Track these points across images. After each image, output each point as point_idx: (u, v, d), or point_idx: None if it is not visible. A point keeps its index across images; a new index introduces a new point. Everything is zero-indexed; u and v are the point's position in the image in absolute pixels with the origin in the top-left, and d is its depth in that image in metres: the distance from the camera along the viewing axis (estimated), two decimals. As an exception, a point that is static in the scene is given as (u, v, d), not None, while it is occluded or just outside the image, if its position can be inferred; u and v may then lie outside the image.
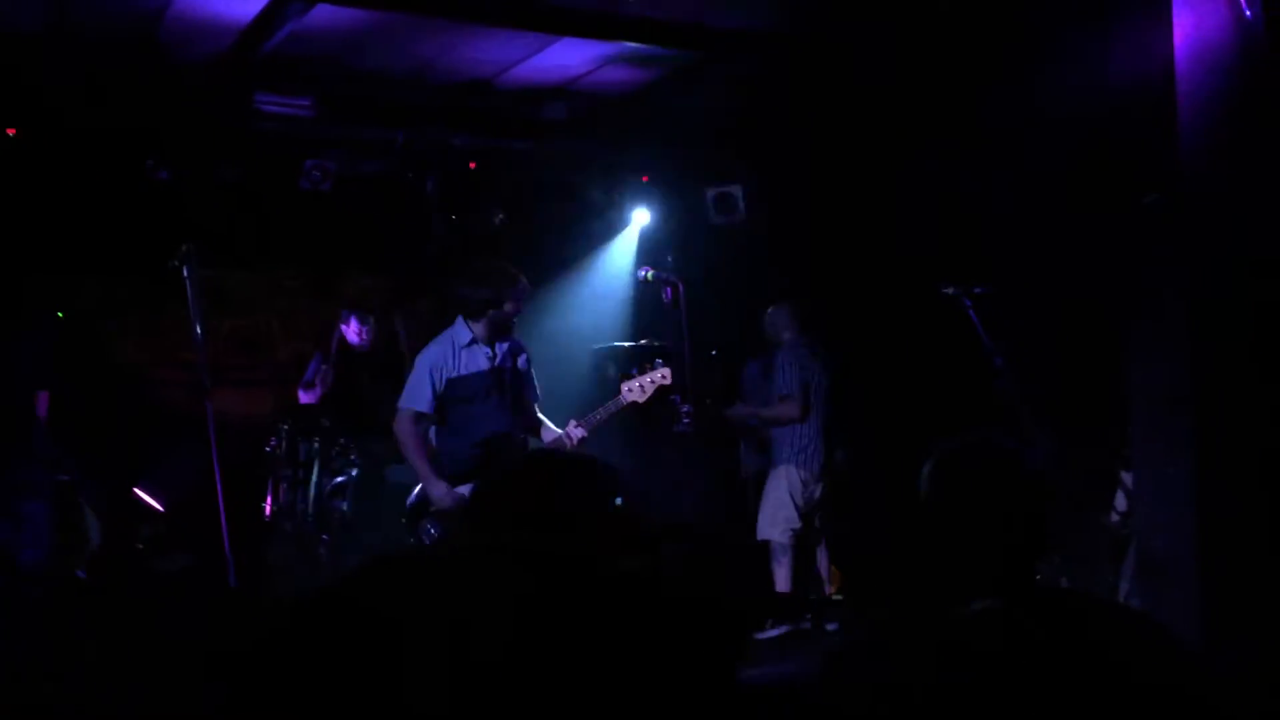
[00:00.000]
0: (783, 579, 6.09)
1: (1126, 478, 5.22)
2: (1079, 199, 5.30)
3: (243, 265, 7.49)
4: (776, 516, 6.22)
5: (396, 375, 7.20)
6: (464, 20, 6.30)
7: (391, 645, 1.62)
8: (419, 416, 5.27)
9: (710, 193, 7.94)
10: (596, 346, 7.96)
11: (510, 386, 5.32)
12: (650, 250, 7.93)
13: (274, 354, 7.88)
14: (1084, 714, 1.83)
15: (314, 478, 6.68)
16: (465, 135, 7.80)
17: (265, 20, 6.28)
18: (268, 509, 6.71)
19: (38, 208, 6.95)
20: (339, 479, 6.55)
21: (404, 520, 5.35)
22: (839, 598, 6.34)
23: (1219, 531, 4.69)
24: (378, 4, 6.04)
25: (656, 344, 7.46)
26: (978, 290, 4.46)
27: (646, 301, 7.68)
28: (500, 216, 8.14)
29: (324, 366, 7.13)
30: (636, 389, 5.29)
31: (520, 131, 7.87)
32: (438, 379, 5.27)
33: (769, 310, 6.52)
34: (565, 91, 7.53)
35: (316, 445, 6.71)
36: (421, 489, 5.28)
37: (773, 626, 5.90)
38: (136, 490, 6.88)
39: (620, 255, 8.25)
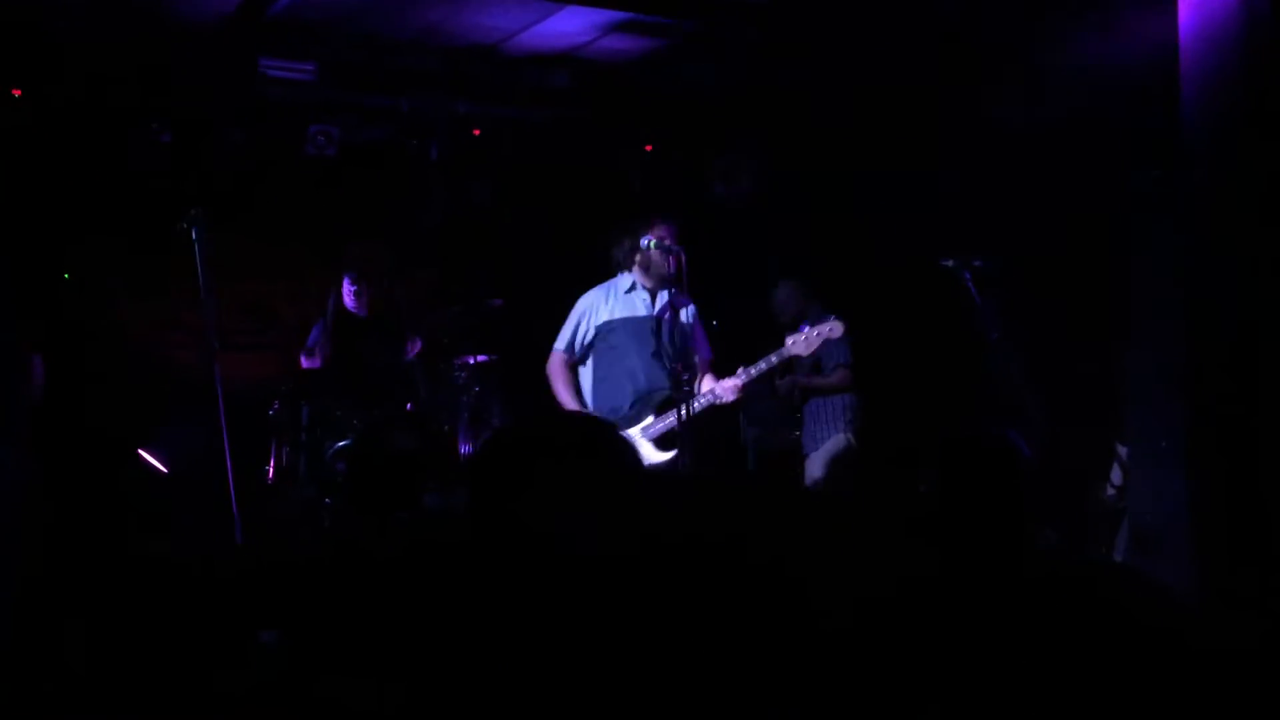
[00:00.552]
0: None
1: (1123, 451, 5.28)
2: (1081, 175, 5.32)
3: (246, 230, 7.50)
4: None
5: (396, 341, 7.26)
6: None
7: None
8: (563, 357, 5.37)
9: (715, 163, 7.95)
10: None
11: (669, 337, 5.24)
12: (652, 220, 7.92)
13: (277, 319, 7.90)
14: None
15: (315, 442, 6.72)
16: (469, 102, 7.79)
17: (271, -17, 6.29)
18: (270, 473, 6.76)
19: (42, 169, 6.96)
20: (340, 443, 6.59)
21: None
22: None
23: (1211, 506, 4.74)
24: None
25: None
26: (977, 263, 4.49)
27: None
28: (499, 185, 8.14)
29: (322, 334, 7.16)
30: (801, 341, 5.17)
31: (524, 99, 7.86)
32: (586, 322, 5.35)
33: (777, 287, 6.51)
34: (569, 59, 7.53)
35: (318, 410, 6.75)
36: None
37: None
38: (140, 452, 6.92)
39: (623, 223, 8.25)
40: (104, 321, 7.61)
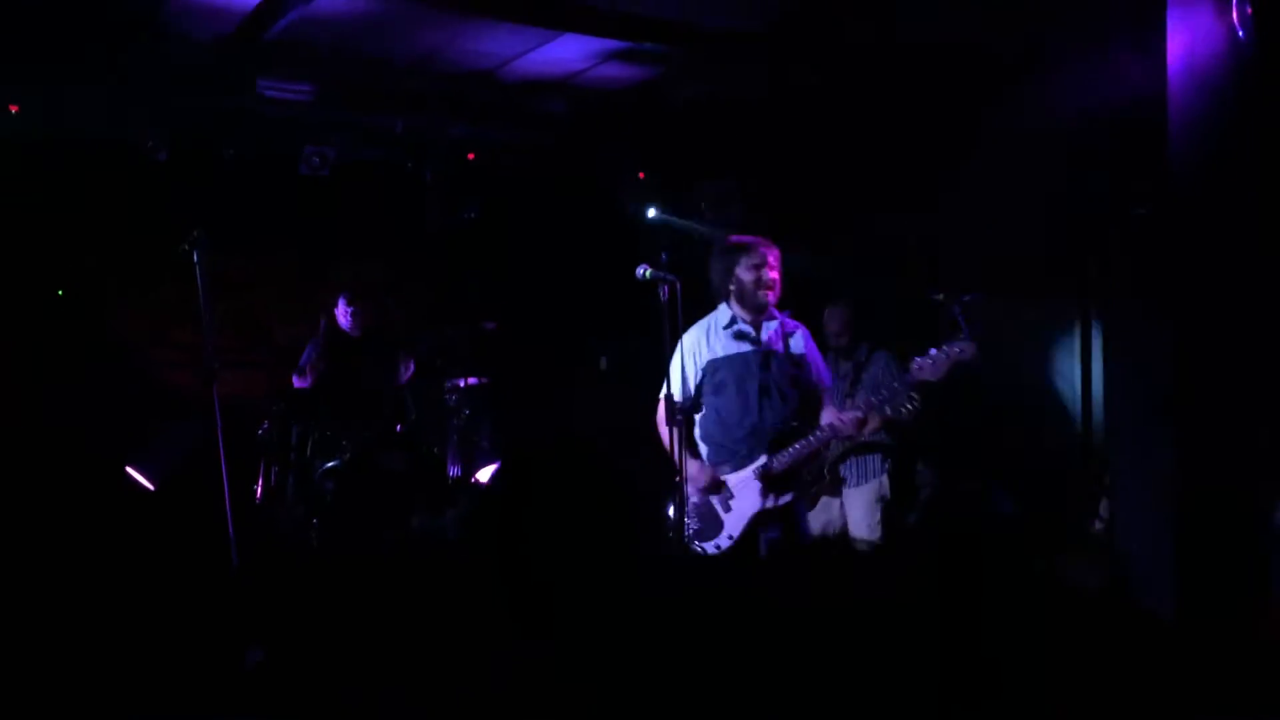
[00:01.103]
0: None
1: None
2: (1072, 209, 5.39)
3: (240, 248, 7.53)
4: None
5: (388, 362, 7.28)
6: (469, 12, 6.35)
7: None
8: (675, 404, 4.84)
9: (706, 189, 8.00)
10: (590, 338, 8.02)
11: (779, 370, 4.82)
12: (645, 247, 7.98)
13: (269, 338, 7.92)
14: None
15: (304, 462, 6.72)
16: (464, 126, 7.85)
17: (271, 5, 6.32)
18: (258, 492, 6.76)
19: (38, 185, 6.98)
20: (329, 464, 6.59)
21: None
22: None
23: (1196, 537, 4.79)
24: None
25: (647, 338, 7.54)
26: (967, 298, 4.54)
27: (640, 297, 7.74)
28: (477, 210, 8.18)
29: (315, 354, 7.17)
30: (929, 366, 4.63)
31: (520, 124, 7.92)
32: (693, 364, 4.88)
33: (828, 310, 6.14)
34: (566, 86, 7.60)
35: (307, 430, 6.76)
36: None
37: None
38: (128, 469, 6.91)
39: (615, 249, 8.30)
40: (96, 338, 7.62)
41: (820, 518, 6.02)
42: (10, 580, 4.45)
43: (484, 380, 7.20)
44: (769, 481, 4.71)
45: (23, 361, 7.19)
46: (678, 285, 4.52)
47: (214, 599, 4.81)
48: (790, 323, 4.94)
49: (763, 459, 4.72)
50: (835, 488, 6.03)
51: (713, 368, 4.85)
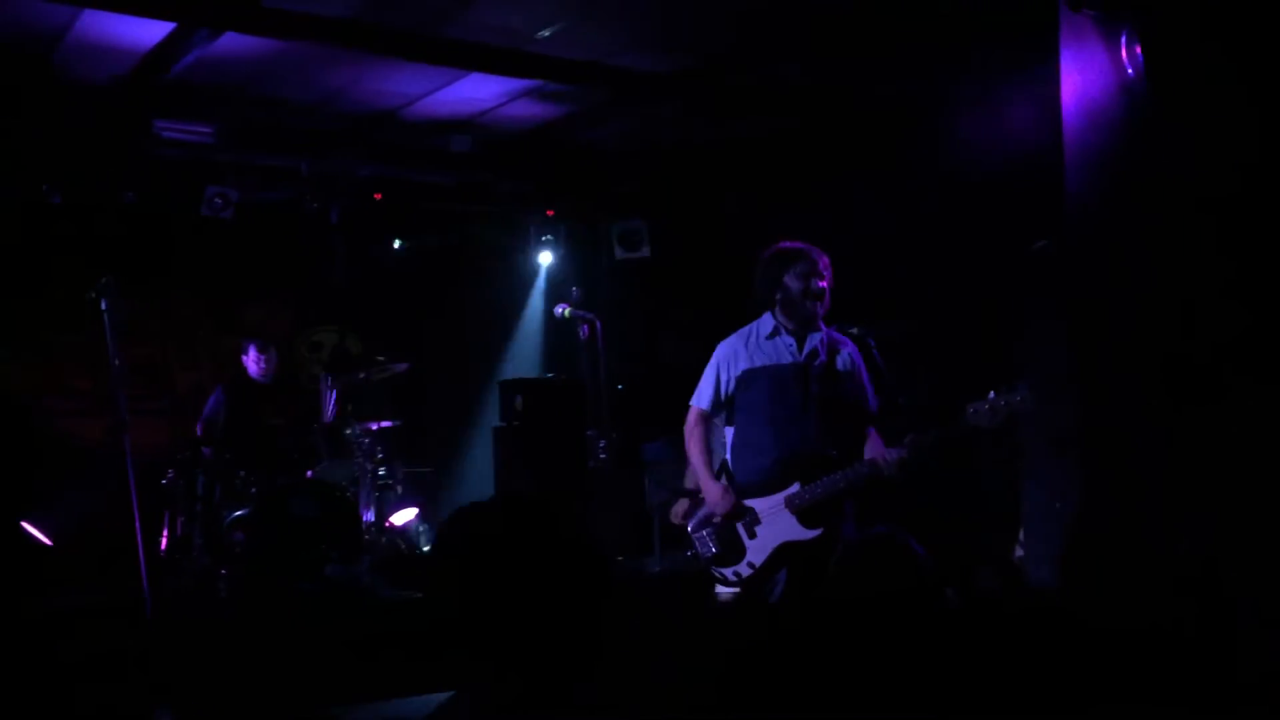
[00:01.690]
0: None
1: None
2: (976, 246, 5.53)
3: (139, 292, 7.34)
4: None
5: (294, 406, 7.15)
6: (375, 54, 6.31)
7: None
8: (703, 415, 4.61)
9: (615, 228, 8.05)
10: (504, 379, 7.98)
11: (821, 387, 4.47)
12: (555, 284, 8.00)
13: (171, 384, 7.72)
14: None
15: (212, 511, 6.55)
16: (370, 165, 7.79)
17: (170, 46, 6.21)
18: (163, 543, 6.56)
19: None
20: (238, 512, 6.43)
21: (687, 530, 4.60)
22: None
23: (1101, 562, 4.92)
24: (288, 34, 6.01)
25: (564, 377, 7.54)
26: (883, 331, 4.60)
27: (553, 334, 7.76)
28: (399, 243, 8.13)
29: (221, 404, 7.02)
30: (985, 412, 4.27)
31: (425, 163, 7.88)
32: (725, 372, 4.54)
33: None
34: (472, 125, 7.59)
35: (214, 478, 6.59)
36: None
37: None
38: (23, 524, 6.65)
39: (525, 287, 8.31)
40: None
41: None
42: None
43: (396, 423, 7.10)
44: (799, 512, 4.39)
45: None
46: (598, 323, 4.47)
47: (121, 655, 4.66)
48: (839, 336, 4.63)
49: (795, 487, 4.38)
50: None
51: (748, 378, 4.53)
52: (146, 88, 6.71)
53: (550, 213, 8.34)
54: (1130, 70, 5.10)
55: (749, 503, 4.49)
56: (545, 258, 8.31)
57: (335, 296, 7.98)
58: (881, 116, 6.09)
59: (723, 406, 4.60)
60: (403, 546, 7.05)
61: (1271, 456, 4.32)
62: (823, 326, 4.57)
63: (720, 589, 4.74)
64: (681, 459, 5.06)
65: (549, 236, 8.27)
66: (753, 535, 4.49)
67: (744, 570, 4.50)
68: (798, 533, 4.39)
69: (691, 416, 4.66)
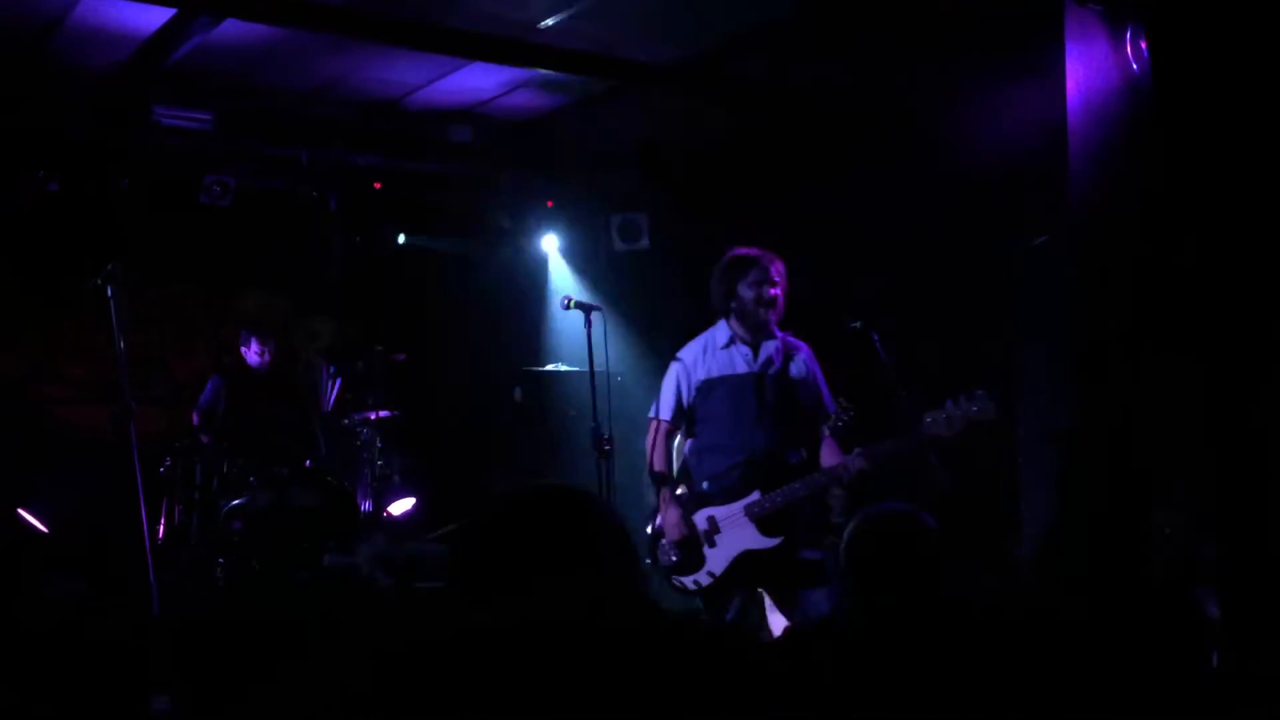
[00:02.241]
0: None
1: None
2: (977, 240, 5.53)
3: (137, 280, 7.30)
4: None
5: (292, 396, 7.13)
6: (377, 43, 6.28)
7: None
8: (665, 427, 4.60)
9: (615, 219, 8.03)
10: (504, 369, 7.95)
11: (777, 394, 4.51)
12: (556, 274, 7.98)
13: (168, 372, 7.69)
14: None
15: (209, 500, 6.53)
16: (370, 155, 7.75)
17: (170, 32, 6.17)
18: (160, 532, 6.54)
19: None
20: (235, 501, 6.41)
21: (649, 537, 4.57)
22: None
23: (1095, 557, 4.93)
24: (289, 22, 5.99)
25: (564, 368, 7.53)
26: (885, 324, 4.60)
27: (555, 325, 7.74)
28: (403, 236, 8.11)
29: (219, 393, 6.99)
30: (943, 421, 4.28)
31: (426, 153, 7.85)
32: (685, 383, 4.57)
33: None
34: (472, 114, 7.55)
35: (212, 467, 6.57)
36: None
37: None
38: (20, 511, 6.63)
39: (526, 278, 8.29)
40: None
41: None
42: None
43: (395, 413, 7.08)
44: (758, 521, 4.39)
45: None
46: (603, 314, 4.48)
47: (122, 644, 4.65)
48: (793, 342, 4.67)
49: (754, 495, 4.40)
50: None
51: (706, 388, 4.55)
52: (145, 74, 6.67)
53: (550, 204, 8.31)
54: (1135, 66, 5.11)
55: (708, 511, 4.49)
56: (546, 248, 8.29)
57: (333, 285, 7.95)
58: (883, 110, 6.08)
59: (683, 417, 4.60)
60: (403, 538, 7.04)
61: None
62: (777, 333, 4.61)
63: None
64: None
65: (549, 228, 8.25)
66: (712, 544, 4.45)
67: (704, 579, 4.47)
68: (757, 541, 4.39)
69: (655, 430, 4.65)
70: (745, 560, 4.42)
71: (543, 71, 6.69)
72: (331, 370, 7.10)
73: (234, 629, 5.74)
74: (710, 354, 4.59)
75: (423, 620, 1.56)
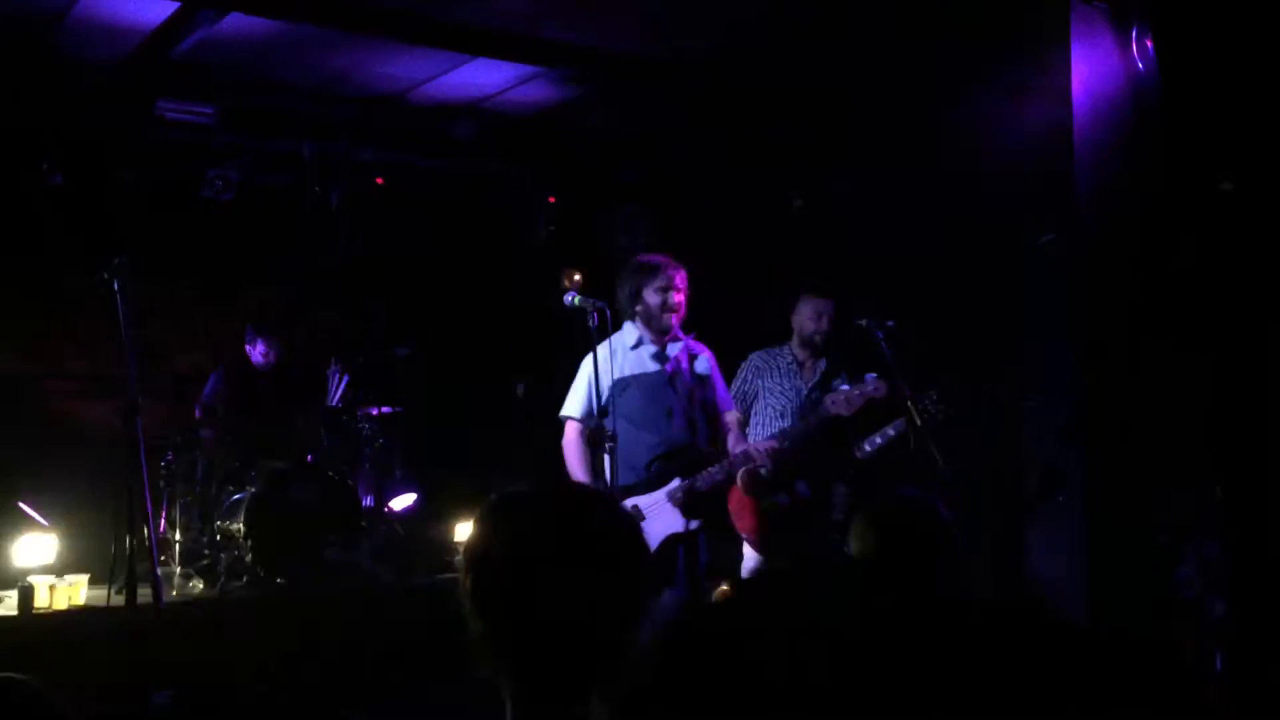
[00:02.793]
0: None
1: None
2: (982, 238, 5.52)
3: (138, 273, 7.28)
4: None
5: (295, 390, 7.12)
6: (381, 37, 6.28)
7: None
8: (579, 426, 4.80)
9: (618, 215, 8.02)
10: (507, 365, 7.94)
11: (686, 391, 4.79)
12: (560, 270, 7.95)
13: (169, 366, 7.68)
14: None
15: (211, 494, 6.52)
16: (373, 150, 7.74)
17: (173, 26, 6.17)
18: (161, 525, 6.53)
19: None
20: (237, 496, 6.40)
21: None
22: None
23: (1108, 558, 4.94)
24: (292, 16, 5.98)
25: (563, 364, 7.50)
26: (890, 324, 4.61)
27: (560, 321, 7.71)
28: (404, 233, 8.10)
29: (221, 388, 6.98)
30: (841, 401, 4.76)
31: (429, 148, 7.84)
32: (598, 383, 4.70)
33: (817, 301, 5.62)
34: (475, 109, 7.55)
35: (214, 462, 6.56)
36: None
37: None
38: (20, 504, 6.62)
39: (530, 273, 8.26)
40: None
41: None
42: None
43: (397, 408, 7.07)
44: (680, 505, 4.66)
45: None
46: (607, 311, 4.50)
47: (119, 638, 4.64)
48: (695, 345, 4.92)
49: (675, 482, 4.68)
50: None
51: (621, 386, 4.76)
52: (149, 68, 6.67)
53: (551, 199, 8.30)
54: (1141, 65, 5.12)
55: (632, 501, 4.69)
56: (550, 243, 8.28)
57: (336, 280, 7.93)
58: (889, 108, 6.07)
59: (595, 416, 4.74)
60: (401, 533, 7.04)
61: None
62: (681, 335, 4.86)
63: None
64: None
65: (552, 224, 8.24)
66: None
67: None
68: (680, 524, 4.65)
69: (570, 431, 4.83)
70: (671, 542, 4.66)
71: (547, 67, 6.69)
72: (337, 366, 7.09)
73: (235, 623, 5.75)
74: (620, 354, 4.78)
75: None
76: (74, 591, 5.67)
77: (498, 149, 7.88)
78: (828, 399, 4.80)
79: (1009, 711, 2.22)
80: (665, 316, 4.74)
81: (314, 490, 6.32)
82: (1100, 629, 4.56)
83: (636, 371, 4.77)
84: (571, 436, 4.82)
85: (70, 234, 7.06)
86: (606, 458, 4.70)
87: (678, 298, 4.75)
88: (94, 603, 5.63)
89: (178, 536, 6.42)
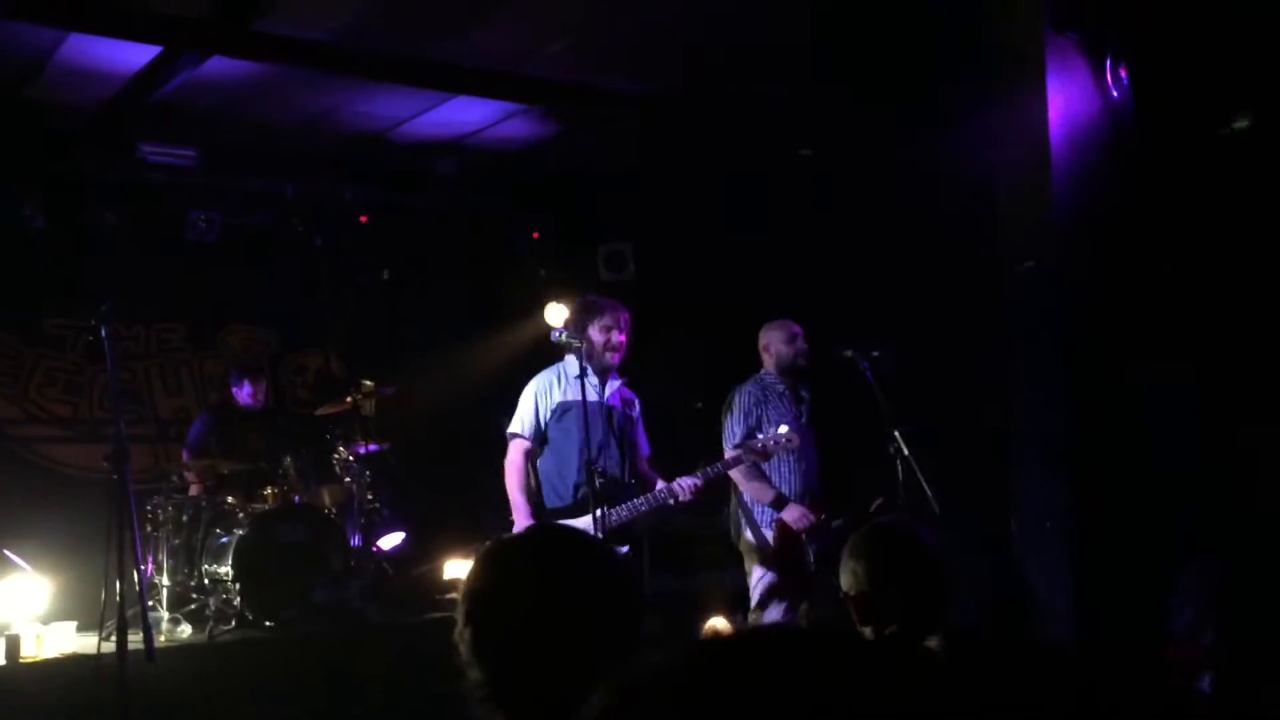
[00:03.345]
0: None
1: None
2: (963, 266, 5.57)
3: (122, 316, 7.27)
4: None
5: (282, 431, 7.10)
6: (363, 79, 6.32)
7: None
8: (525, 444, 4.98)
9: (601, 250, 8.05)
10: (493, 402, 7.91)
11: (620, 425, 5.04)
12: (543, 305, 7.96)
13: (154, 409, 7.65)
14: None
15: (198, 537, 6.47)
16: (355, 189, 7.77)
17: (155, 70, 6.19)
18: (148, 570, 6.47)
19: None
20: (224, 538, 6.36)
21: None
22: None
23: (1094, 578, 4.95)
24: (274, 58, 6.02)
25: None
26: (875, 354, 4.64)
27: (545, 357, 7.72)
28: (388, 272, 8.11)
29: (208, 430, 6.96)
30: (758, 448, 5.07)
31: (411, 186, 7.87)
32: (543, 404, 4.98)
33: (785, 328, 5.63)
34: (458, 147, 7.59)
35: (200, 504, 6.52)
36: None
37: None
38: (5, 551, 6.56)
39: (514, 309, 8.27)
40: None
41: None
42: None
43: (384, 446, 7.05)
44: (608, 533, 4.75)
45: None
46: (623, 345, 4.60)
47: (109, 686, 4.60)
48: (628, 391, 5.18)
49: (602, 509, 4.79)
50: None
51: (561, 409, 4.97)
52: (131, 111, 6.68)
53: (535, 235, 8.33)
54: (1115, 92, 5.18)
55: (562, 524, 4.75)
56: (534, 279, 8.30)
57: (320, 320, 7.93)
58: (869, 139, 6.13)
59: (539, 437, 4.98)
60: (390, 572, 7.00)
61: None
62: (616, 376, 5.11)
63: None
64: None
65: (535, 258, 8.26)
66: None
67: None
68: None
69: (515, 449, 4.99)
70: None
71: (529, 104, 6.73)
72: (323, 405, 7.07)
73: (224, 666, 5.70)
74: (564, 380, 5.02)
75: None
76: (62, 639, 5.62)
77: (480, 185, 7.91)
78: (758, 436, 5.07)
79: None
80: (607, 355, 4.98)
81: (301, 531, 6.29)
82: (1087, 654, 4.59)
83: (579, 398, 4.90)
84: (516, 455, 4.98)
85: (52, 277, 7.05)
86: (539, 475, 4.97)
87: (620, 337, 5.00)
88: (83, 650, 5.57)
89: (165, 581, 6.36)
